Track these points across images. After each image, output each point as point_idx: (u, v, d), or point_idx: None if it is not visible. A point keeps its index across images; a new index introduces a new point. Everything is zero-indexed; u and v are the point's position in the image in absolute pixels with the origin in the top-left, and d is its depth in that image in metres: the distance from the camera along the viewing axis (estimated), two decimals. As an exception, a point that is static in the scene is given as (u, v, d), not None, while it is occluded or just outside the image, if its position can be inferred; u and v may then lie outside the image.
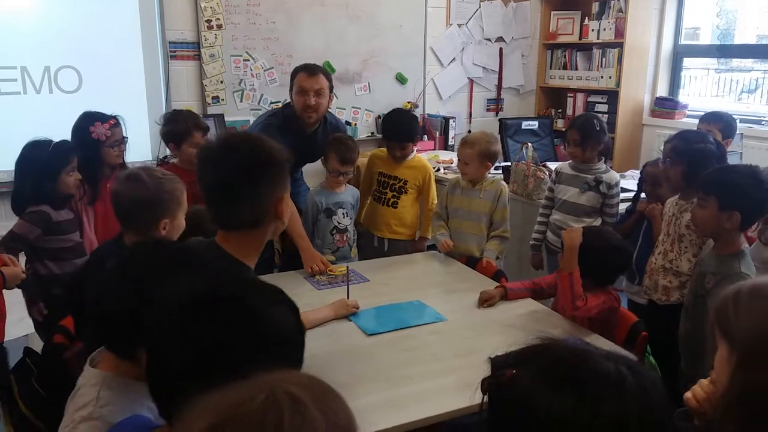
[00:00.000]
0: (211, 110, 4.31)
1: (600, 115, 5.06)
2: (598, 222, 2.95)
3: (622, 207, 3.03)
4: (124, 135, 2.75)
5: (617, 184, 2.94)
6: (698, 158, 2.29)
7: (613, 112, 5.00)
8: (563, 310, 2.20)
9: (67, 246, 2.42)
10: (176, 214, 1.81)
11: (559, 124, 5.50)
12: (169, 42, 4.14)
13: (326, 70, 2.97)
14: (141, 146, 3.84)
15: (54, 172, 2.35)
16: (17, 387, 1.98)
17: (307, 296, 2.48)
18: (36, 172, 2.35)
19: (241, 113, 4.42)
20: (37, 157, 2.38)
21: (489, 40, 5.36)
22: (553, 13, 5.48)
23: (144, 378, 0.94)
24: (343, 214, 2.98)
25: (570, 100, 5.39)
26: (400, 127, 3.12)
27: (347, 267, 2.58)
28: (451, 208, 2.97)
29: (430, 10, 5.00)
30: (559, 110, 5.55)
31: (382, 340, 2.10)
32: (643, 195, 2.86)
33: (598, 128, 2.87)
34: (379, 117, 4.90)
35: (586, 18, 5.19)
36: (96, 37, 3.89)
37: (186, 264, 1.18)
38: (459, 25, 5.19)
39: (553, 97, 5.64)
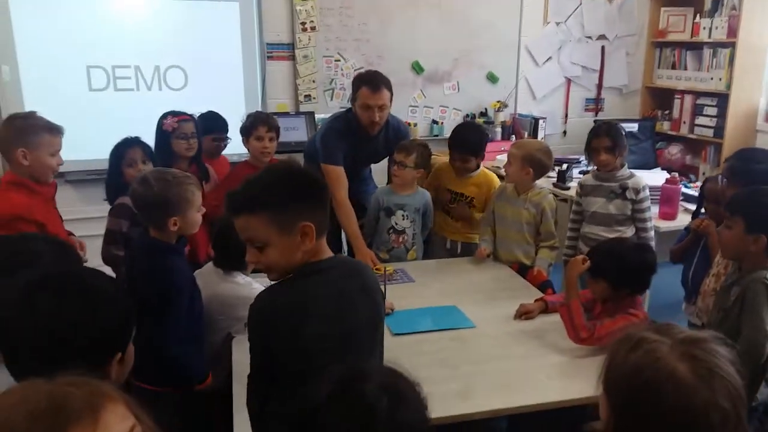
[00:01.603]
0: (302, 108, 4.55)
1: (709, 119, 4.76)
2: (631, 231, 2.82)
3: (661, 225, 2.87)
4: (194, 131, 3.01)
5: (644, 188, 2.83)
6: (756, 180, 2.13)
7: (722, 116, 4.64)
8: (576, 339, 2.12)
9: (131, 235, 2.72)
10: (186, 212, 1.99)
11: (665, 126, 5.20)
12: (267, 43, 4.42)
13: (387, 81, 3.01)
14: (240, 141, 4.17)
15: (116, 165, 2.68)
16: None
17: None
18: (110, 165, 2.68)
19: (331, 111, 4.61)
20: (113, 153, 2.72)
21: (590, 37, 5.16)
22: (663, 9, 5.16)
23: None
24: (402, 216, 3.04)
25: (677, 102, 5.07)
26: (465, 138, 3.11)
27: (392, 268, 2.67)
28: (498, 215, 2.96)
29: (526, 8, 4.92)
30: (666, 112, 5.24)
31: (403, 341, 2.18)
32: (703, 211, 2.69)
33: (624, 133, 2.78)
34: (467, 116, 4.92)
35: (698, 15, 4.84)
36: (200, 40, 4.26)
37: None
38: (557, 23, 5.05)
39: (660, 99, 5.32)
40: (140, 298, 2.02)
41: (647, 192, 2.82)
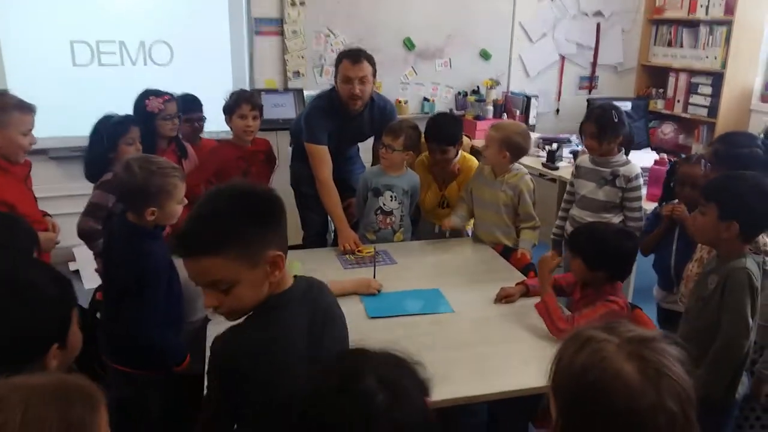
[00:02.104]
0: (291, 84, 4.49)
1: (703, 98, 4.70)
2: (618, 219, 2.78)
3: (649, 207, 2.83)
4: (177, 111, 2.96)
5: (637, 177, 2.75)
6: (741, 165, 2.08)
7: (716, 95, 4.59)
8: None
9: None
10: (164, 204, 1.95)
11: (659, 105, 5.14)
12: (255, 18, 4.34)
13: (369, 56, 2.96)
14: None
15: (113, 141, 2.61)
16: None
17: (330, 273, 2.58)
18: (99, 142, 2.61)
19: (320, 88, 4.54)
20: (102, 129, 2.65)
21: (586, 14, 5.08)
22: (660, -15, 5.07)
23: None
24: (391, 196, 2.99)
25: (672, 81, 5.00)
26: (440, 131, 3.04)
27: (374, 248, 2.65)
28: (476, 197, 2.93)
29: (521, -17, 4.83)
30: (660, 90, 5.17)
31: (381, 325, 2.16)
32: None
33: (616, 120, 2.69)
34: (458, 93, 4.86)
35: (695, -9, 4.76)
36: (187, 14, 4.17)
37: None
38: (552, 0, 4.95)
39: (655, 77, 5.26)
40: (117, 282, 2.01)
41: (640, 181, 2.76)
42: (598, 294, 2.16)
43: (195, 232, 1.25)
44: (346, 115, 3.00)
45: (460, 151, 3.12)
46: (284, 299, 1.35)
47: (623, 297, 2.14)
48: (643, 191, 2.96)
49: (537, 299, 2.32)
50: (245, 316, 1.33)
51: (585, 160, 2.89)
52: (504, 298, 2.34)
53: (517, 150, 2.80)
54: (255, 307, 1.31)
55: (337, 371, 0.98)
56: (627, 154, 2.83)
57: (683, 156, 2.94)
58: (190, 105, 3.26)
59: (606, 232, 2.19)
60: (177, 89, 3.21)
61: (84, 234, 2.51)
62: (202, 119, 3.36)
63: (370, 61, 2.93)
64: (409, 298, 2.35)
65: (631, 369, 0.90)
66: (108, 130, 2.63)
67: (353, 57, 2.90)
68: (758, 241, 1.98)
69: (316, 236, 3.36)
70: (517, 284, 2.40)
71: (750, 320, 1.81)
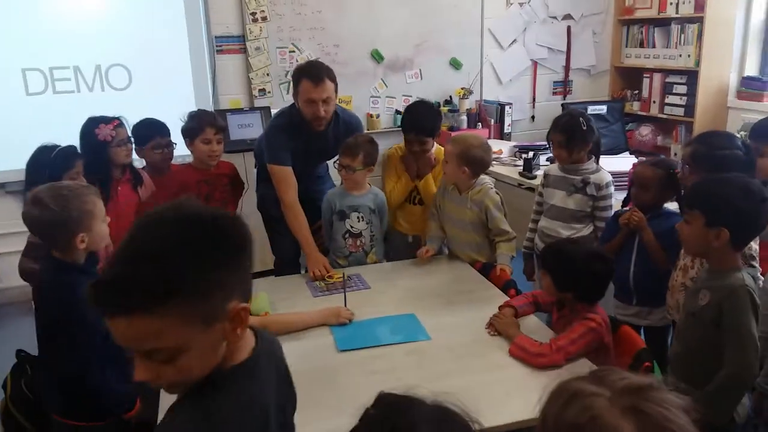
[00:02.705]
0: (257, 103, 4.34)
1: (679, 97, 4.63)
2: (589, 229, 2.66)
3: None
4: (129, 135, 2.80)
5: (608, 185, 2.63)
6: (720, 167, 1.97)
7: (692, 94, 4.51)
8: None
9: None
10: (92, 226, 1.81)
11: (635, 107, 5.06)
12: (215, 36, 4.19)
13: (330, 70, 2.79)
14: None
15: (57, 175, 2.42)
16: (11, 389, 2.09)
17: (300, 302, 2.43)
18: (41, 176, 2.43)
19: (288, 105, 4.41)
20: (43, 161, 2.48)
21: (555, 18, 5.00)
22: (628, -15, 5.01)
23: None
24: (357, 217, 2.84)
25: (646, 81, 4.93)
26: (419, 120, 2.94)
27: (344, 273, 2.50)
28: (444, 213, 2.81)
29: (488, -11, 4.73)
30: (635, 92, 5.09)
31: (353, 358, 2.00)
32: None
33: (584, 128, 2.57)
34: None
35: (664, -10, 4.70)
36: (144, 36, 4.01)
37: None
38: (520, 4, 4.87)
39: (629, 78, 5.18)
40: (47, 324, 1.83)
41: (611, 189, 2.63)
42: (573, 313, 2.04)
43: (123, 279, 0.88)
44: (309, 132, 2.85)
45: (435, 143, 3.00)
46: (249, 367, 1.02)
47: (601, 313, 2.01)
48: (621, 197, 2.85)
49: (523, 320, 2.20)
50: (194, 390, 0.97)
51: (554, 168, 2.77)
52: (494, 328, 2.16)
53: (478, 164, 2.67)
54: (207, 376, 0.97)
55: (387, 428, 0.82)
56: (597, 160, 2.70)
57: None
58: (157, 130, 3.01)
59: (575, 253, 2.06)
60: (137, 114, 3.04)
61: (25, 275, 2.35)
62: (171, 145, 3.07)
63: (331, 77, 2.76)
64: (382, 326, 2.19)
65: (630, 427, 0.76)
66: (51, 163, 2.46)
67: (314, 77, 2.70)
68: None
69: (288, 262, 3.19)
70: (502, 308, 2.24)
71: (758, 341, 1.68)
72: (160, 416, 1.69)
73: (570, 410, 0.82)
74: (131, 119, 2.97)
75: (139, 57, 4.03)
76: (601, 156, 2.78)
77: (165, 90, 4.05)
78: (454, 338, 2.11)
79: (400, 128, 4.53)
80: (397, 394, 0.85)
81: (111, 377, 1.83)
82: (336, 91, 2.79)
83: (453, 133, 4.50)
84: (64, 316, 1.73)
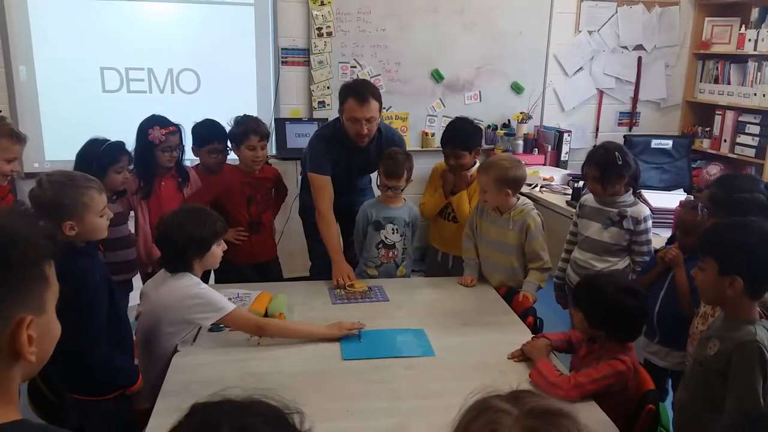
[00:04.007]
0: (316, 114, 4.47)
1: (751, 138, 4.41)
2: (625, 263, 2.56)
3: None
4: (181, 143, 2.95)
5: (645, 219, 2.52)
6: (741, 211, 1.87)
7: (765, 135, 4.28)
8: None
9: (115, 237, 2.66)
10: (84, 217, 1.87)
11: (704, 144, 4.85)
12: (281, 48, 4.36)
13: (375, 90, 2.86)
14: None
15: (103, 168, 2.60)
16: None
17: (317, 308, 2.49)
18: (88, 167, 2.61)
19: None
20: (91, 154, 2.65)
21: (626, 48, 4.87)
22: (707, 19, 4.82)
23: None
24: (392, 229, 2.89)
25: (718, 118, 4.72)
26: (456, 134, 2.97)
27: (365, 285, 2.54)
28: (480, 234, 2.78)
29: (556, 16, 4.68)
30: (706, 129, 4.88)
31: (354, 367, 2.03)
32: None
33: (620, 162, 2.47)
34: (488, 127, 4.73)
35: (744, 26, 4.50)
36: (214, 43, 4.23)
37: None
38: (590, 32, 4.78)
39: (701, 114, 4.97)
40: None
41: (649, 223, 2.54)
42: (604, 350, 1.96)
43: None
44: (350, 147, 2.92)
45: (477, 162, 3.01)
46: None
47: (633, 357, 1.92)
48: (666, 234, 2.75)
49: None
50: None
51: (590, 198, 2.69)
52: (518, 357, 2.10)
53: (517, 182, 2.65)
54: None
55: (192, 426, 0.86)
56: (635, 193, 2.62)
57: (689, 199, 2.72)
58: (215, 135, 3.07)
59: (606, 286, 1.97)
60: (202, 116, 3.19)
61: None
62: (226, 150, 3.13)
63: (377, 97, 2.83)
64: (389, 338, 2.21)
65: None
66: (98, 156, 2.63)
67: (360, 97, 2.77)
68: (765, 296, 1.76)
69: (323, 270, 3.26)
70: (536, 337, 2.16)
71: (761, 400, 1.56)
72: (158, 401, 1.79)
73: (477, 423, 0.85)
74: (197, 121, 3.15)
75: (209, 63, 4.24)
76: (650, 190, 2.69)
77: (230, 95, 4.25)
78: (458, 358, 2.10)
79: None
80: (209, 401, 0.85)
81: (115, 354, 1.94)
82: (380, 110, 2.86)
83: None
84: (71, 296, 1.83)
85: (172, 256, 2.09)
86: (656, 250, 2.49)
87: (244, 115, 3.14)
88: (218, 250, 2.17)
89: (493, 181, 2.60)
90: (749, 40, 4.40)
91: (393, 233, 2.90)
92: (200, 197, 2.95)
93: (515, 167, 2.62)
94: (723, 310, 1.73)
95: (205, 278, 3.14)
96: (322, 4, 4.33)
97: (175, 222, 2.10)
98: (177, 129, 2.93)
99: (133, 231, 2.91)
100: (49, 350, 0.97)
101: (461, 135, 2.95)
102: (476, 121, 3.28)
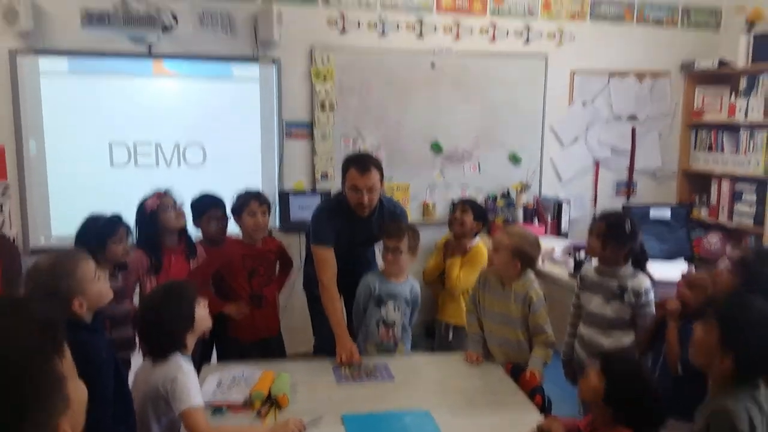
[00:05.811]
0: (319, 186, 4.54)
1: (748, 206, 4.46)
2: (630, 338, 2.56)
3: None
4: (176, 201, 3.05)
5: (647, 291, 2.54)
6: (762, 284, 1.88)
7: (761, 203, 4.35)
8: None
9: (116, 313, 2.65)
10: (85, 289, 1.86)
11: (702, 213, 4.90)
12: (285, 122, 4.47)
13: (377, 161, 2.95)
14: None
15: (102, 241, 2.65)
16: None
17: (321, 387, 2.46)
18: (87, 243, 2.63)
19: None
20: (90, 228, 2.71)
21: (619, 118, 5.00)
22: (698, 88, 4.97)
23: None
24: (394, 306, 2.89)
25: (714, 187, 4.79)
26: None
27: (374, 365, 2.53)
28: (484, 308, 2.78)
29: (550, 89, 4.81)
30: (704, 198, 4.95)
31: (360, 452, 2.01)
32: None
33: (626, 229, 2.53)
34: (488, 197, 4.79)
35: (733, 95, 4.63)
36: (220, 118, 4.34)
37: None
38: (583, 103, 4.92)
39: (698, 183, 5.05)
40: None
41: (651, 296, 2.56)
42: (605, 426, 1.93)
43: None
44: (353, 218, 2.97)
45: (478, 237, 3.08)
46: None
47: None
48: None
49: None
50: None
51: (590, 271, 2.72)
52: None
53: (529, 261, 2.67)
54: None
55: None
56: (638, 266, 2.64)
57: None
58: (212, 203, 3.23)
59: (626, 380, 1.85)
60: (207, 189, 3.34)
61: None
62: (226, 218, 3.25)
63: (378, 167, 2.91)
64: (395, 423, 2.18)
65: None
66: (96, 230, 2.70)
67: (361, 166, 2.86)
68: None
69: (327, 343, 3.24)
70: (548, 419, 2.12)
71: None
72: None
73: None
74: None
75: (215, 136, 4.34)
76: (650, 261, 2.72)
77: (236, 168, 4.33)
78: (465, 442, 2.07)
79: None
80: None
81: (120, 429, 1.91)
82: (382, 180, 2.93)
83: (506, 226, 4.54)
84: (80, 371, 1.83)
85: (163, 340, 2.08)
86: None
87: (245, 189, 3.22)
88: (202, 310, 2.17)
89: (510, 246, 2.62)
90: (739, 109, 4.53)
91: (394, 311, 2.89)
92: (202, 271, 2.98)
93: (535, 247, 2.66)
94: (710, 377, 1.70)
95: (206, 356, 3.15)
96: (325, 79, 4.47)
97: (153, 307, 2.13)
98: (165, 192, 3.03)
99: (136, 306, 2.92)
100: (81, 419, 0.98)
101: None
102: (477, 192, 3.37)
